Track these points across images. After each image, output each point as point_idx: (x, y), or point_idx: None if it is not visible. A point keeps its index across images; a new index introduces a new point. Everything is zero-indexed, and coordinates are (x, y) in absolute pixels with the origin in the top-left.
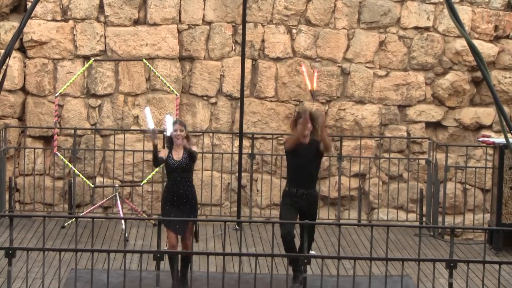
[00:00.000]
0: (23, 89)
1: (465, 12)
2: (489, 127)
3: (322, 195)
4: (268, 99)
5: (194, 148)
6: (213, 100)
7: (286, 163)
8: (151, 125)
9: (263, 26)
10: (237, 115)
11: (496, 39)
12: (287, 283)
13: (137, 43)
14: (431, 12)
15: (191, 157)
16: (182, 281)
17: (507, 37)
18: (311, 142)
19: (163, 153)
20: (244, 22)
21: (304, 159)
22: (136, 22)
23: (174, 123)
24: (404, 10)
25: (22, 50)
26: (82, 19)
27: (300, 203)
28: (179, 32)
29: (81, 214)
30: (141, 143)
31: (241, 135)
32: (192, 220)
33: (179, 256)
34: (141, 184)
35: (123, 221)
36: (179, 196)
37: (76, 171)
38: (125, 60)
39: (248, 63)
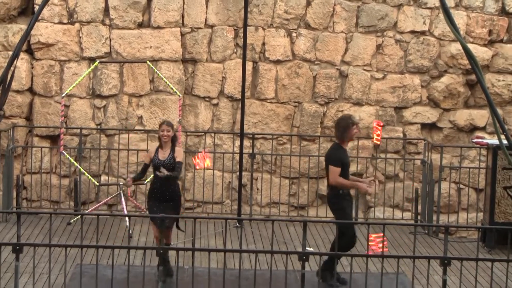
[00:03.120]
0: (31, 90)
1: (460, 17)
2: (483, 128)
3: (321, 193)
4: (268, 101)
5: (179, 159)
6: (215, 101)
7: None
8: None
9: (263, 29)
10: (238, 116)
11: (490, 43)
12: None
13: (141, 46)
14: (427, 16)
15: (174, 168)
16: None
17: (501, 41)
18: None
19: (148, 157)
20: (245, 25)
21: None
22: (140, 25)
23: (162, 123)
24: (401, 14)
25: (30, 51)
26: (88, 22)
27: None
28: (182, 35)
29: (87, 211)
30: (145, 142)
31: (242, 135)
32: (173, 217)
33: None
34: (145, 182)
35: (127, 218)
36: (162, 193)
37: (82, 170)
38: (129, 62)
39: (249, 66)
